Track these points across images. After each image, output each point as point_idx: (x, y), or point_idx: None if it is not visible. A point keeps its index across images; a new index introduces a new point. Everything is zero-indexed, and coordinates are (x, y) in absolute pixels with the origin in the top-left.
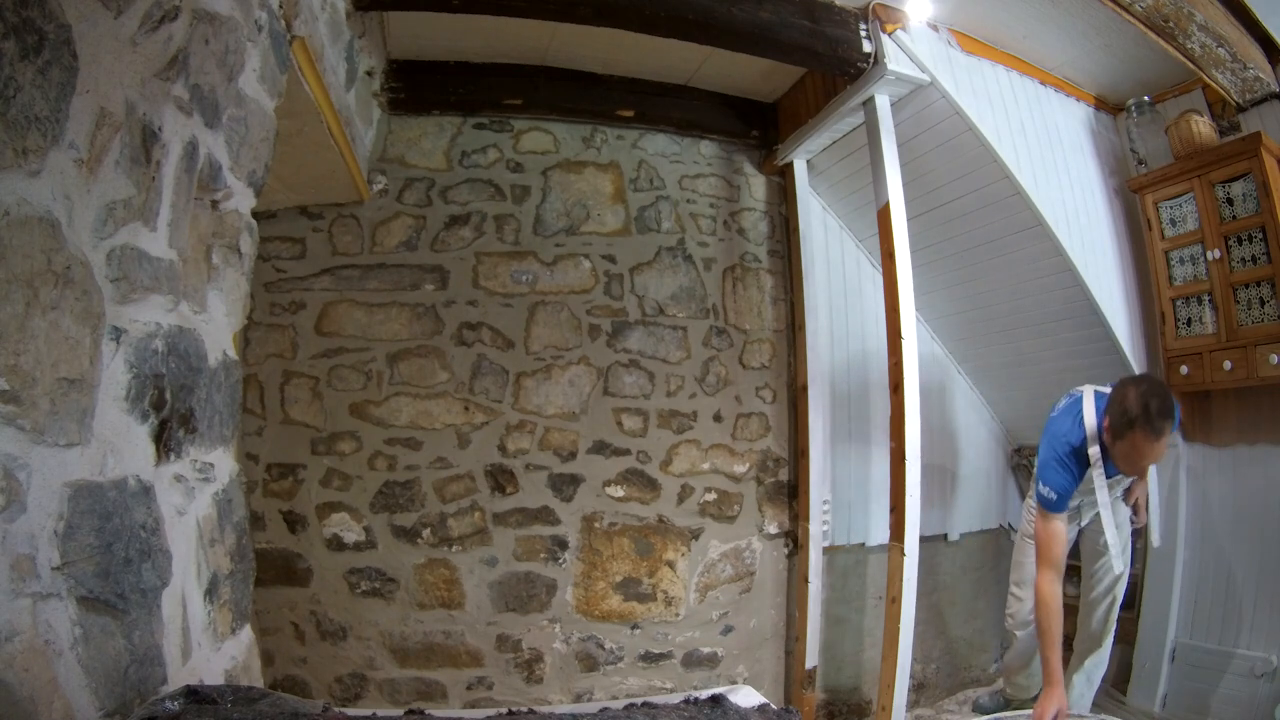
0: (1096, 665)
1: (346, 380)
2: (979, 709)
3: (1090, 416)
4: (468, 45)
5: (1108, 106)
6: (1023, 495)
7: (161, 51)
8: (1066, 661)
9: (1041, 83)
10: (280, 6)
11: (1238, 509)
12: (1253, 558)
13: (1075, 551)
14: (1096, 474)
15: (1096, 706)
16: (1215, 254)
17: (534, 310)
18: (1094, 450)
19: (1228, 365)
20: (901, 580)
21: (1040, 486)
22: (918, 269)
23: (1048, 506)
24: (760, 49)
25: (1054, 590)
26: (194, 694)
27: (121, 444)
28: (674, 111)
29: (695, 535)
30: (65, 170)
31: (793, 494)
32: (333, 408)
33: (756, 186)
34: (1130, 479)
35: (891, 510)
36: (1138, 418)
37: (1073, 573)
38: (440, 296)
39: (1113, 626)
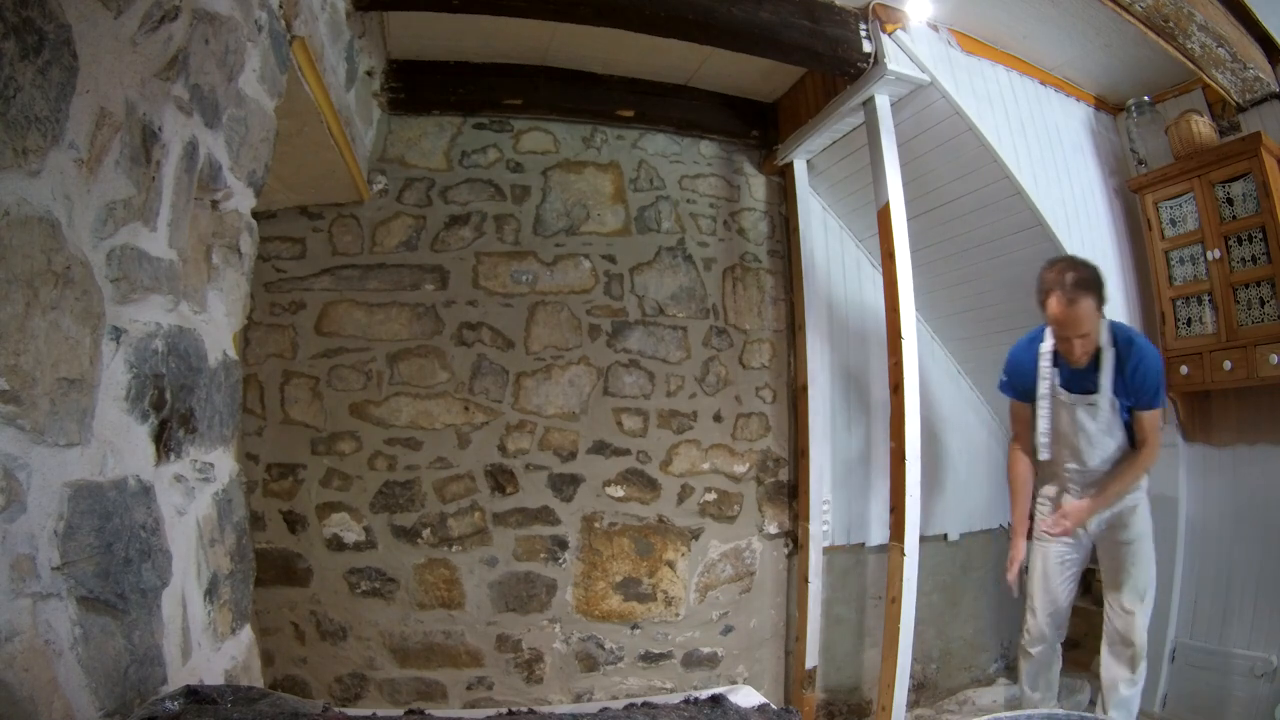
0: (1134, 686)
1: (346, 380)
2: None
3: None
4: (467, 45)
5: (1108, 106)
6: None
7: (161, 51)
8: (1089, 666)
9: (1041, 83)
10: (280, 6)
11: (1238, 509)
12: (1253, 558)
13: (1094, 556)
14: (1044, 368)
15: (1093, 704)
16: (1215, 254)
17: (534, 310)
18: (1045, 345)
19: (1228, 365)
20: (901, 580)
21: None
22: (918, 269)
23: (1000, 388)
24: (760, 49)
25: (1018, 458)
26: (194, 694)
27: (121, 444)
28: (674, 111)
29: (695, 535)
30: (65, 170)
31: (793, 494)
32: (333, 408)
33: (756, 186)
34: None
35: (891, 510)
36: (1055, 283)
37: (1089, 575)
38: (440, 296)
39: (1141, 659)
